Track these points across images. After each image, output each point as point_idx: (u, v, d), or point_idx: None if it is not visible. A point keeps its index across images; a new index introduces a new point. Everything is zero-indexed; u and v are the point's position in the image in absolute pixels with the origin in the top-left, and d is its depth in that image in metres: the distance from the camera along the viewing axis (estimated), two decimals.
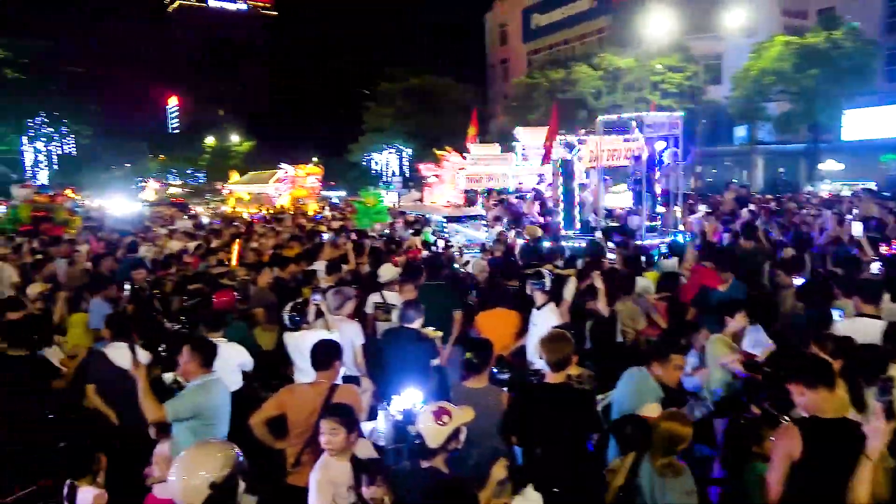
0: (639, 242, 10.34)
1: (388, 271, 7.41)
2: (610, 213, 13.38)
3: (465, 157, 16.10)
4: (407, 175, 45.46)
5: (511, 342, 6.41)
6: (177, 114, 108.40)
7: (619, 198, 14.39)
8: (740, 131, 37.44)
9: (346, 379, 5.41)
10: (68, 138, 41.37)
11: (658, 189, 12.38)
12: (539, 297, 6.49)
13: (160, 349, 7.36)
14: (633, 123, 12.18)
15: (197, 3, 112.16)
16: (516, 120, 30.71)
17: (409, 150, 47.37)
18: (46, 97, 36.26)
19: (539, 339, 4.66)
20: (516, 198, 15.31)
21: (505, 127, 34.54)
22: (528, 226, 12.27)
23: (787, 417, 3.89)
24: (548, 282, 6.66)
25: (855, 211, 13.69)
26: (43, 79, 35.89)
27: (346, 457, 3.56)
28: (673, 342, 4.59)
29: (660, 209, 12.34)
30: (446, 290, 7.61)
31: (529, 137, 16.51)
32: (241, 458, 2.65)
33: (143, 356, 5.37)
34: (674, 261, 9.44)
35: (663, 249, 10.79)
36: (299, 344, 5.40)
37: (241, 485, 2.65)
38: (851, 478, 3.05)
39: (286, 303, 7.79)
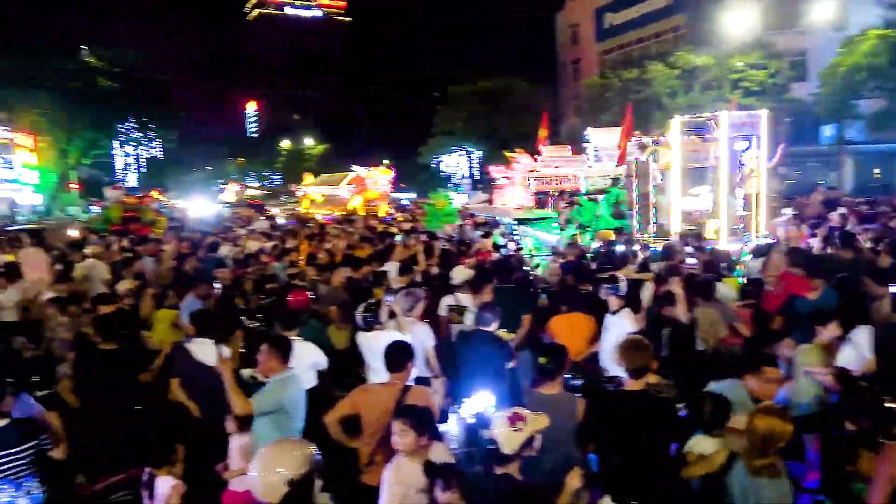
0: (719, 247, 9.93)
1: (460, 273, 7.39)
2: (687, 217, 12.92)
3: (535, 159, 15.94)
4: (476, 177, 45.47)
5: (585, 348, 6.27)
6: (255, 118, 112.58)
7: (698, 201, 13.87)
8: (827, 130, 35.47)
9: (417, 381, 5.42)
10: (155, 143, 43.63)
11: (740, 192, 11.84)
12: (614, 303, 6.33)
13: (239, 346, 7.63)
14: (713, 123, 11.70)
15: (275, 12, 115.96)
16: (588, 121, 30.16)
17: (479, 153, 47.36)
18: (136, 104, 38.33)
19: (616, 345, 4.51)
20: (588, 200, 15.01)
21: (576, 128, 34.00)
22: (601, 230, 12.00)
23: (888, 436, 3.61)
24: (622, 286, 6.49)
25: None
26: (133, 87, 37.96)
27: (418, 459, 3.55)
28: (762, 353, 4.36)
29: (742, 212, 11.81)
30: (516, 293, 7.52)
31: (602, 139, 16.19)
32: (317, 457, 2.68)
33: (225, 352, 5.57)
34: (757, 265, 9.00)
35: (745, 254, 10.32)
36: (372, 344, 5.44)
37: (318, 483, 2.68)
38: None
39: (358, 303, 7.93)
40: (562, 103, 49.55)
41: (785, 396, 4.99)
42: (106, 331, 5.82)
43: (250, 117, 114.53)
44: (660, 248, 10.21)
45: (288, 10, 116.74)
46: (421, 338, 5.79)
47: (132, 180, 42.27)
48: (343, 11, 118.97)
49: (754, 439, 3.36)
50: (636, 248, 10.66)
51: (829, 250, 9.62)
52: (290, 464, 2.56)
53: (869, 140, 33.54)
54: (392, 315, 5.57)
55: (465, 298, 6.94)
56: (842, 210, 14.14)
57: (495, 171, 16.96)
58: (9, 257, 11.96)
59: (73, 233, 17.79)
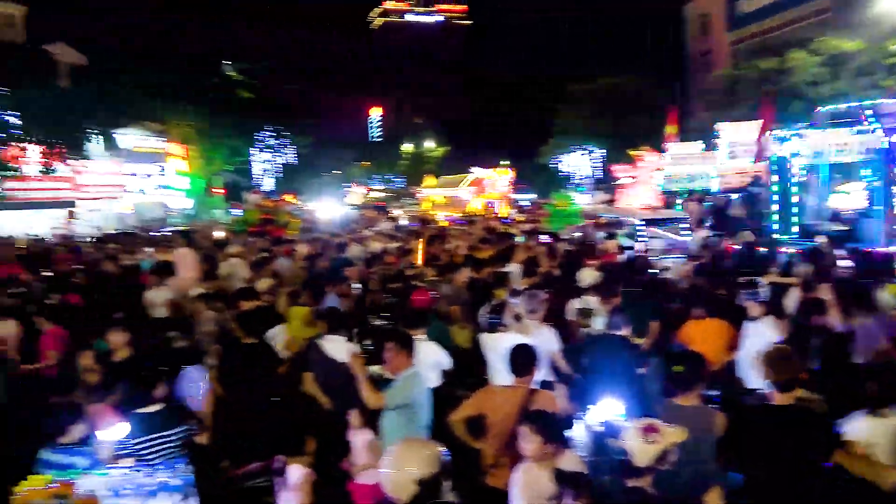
0: (876, 249, 8.99)
1: (588, 276, 7.18)
2: (836, 216, 11.82)
3: (662, 157, 15.27)
4: (598, 177, 44.32)
5: (721, 356, 5.87)
6: (379, 123, 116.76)
7: (850, 198, 12.66)
8: None
9: (540, 385, 5.31)
10: (289, 149, 46.28)
11: None
12: (754, 309, 5.90)
13: (366, 343, 7.88)
14: (864, 113, 10.63)
15: (398, 20, 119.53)
16: (719, 115, 28.42)
17: (601, 152, 46.12)
18: (272, 113, 40.94)
19: (758, 355, 4.18)
20: (723, 199, 14.16)
21: (706, 124, 32.20)
22: (741, 231, 11.23)
23: None
24: (763, 292, 6.02)
25: None
26: (269, 97, 40.58)
27: (547, 465, 3.47)
28: None
29: None
30: (644, 297, 7.21)
31: (735, 133, 15.21)
32: (446, 458, 2.68)
33: (354, 349, 5.77)
34: None
35: None
36: (496, 346, 5.41)
37: (446, 483, 2.68)
38: None
39: (480, 303, 7.94)
40: (690, 98, 47.17)
41: None
42: (247, 326, 6.20)
43: (374, 122, 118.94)
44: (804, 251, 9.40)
45: (410, 18, 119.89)
46: (545, 341, 5.68)
47: (268, 185, 45.10)
48: (463, 15, 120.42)
49: None
50: (779, 250, 9.89)
51: None
52: (419, 463, 2.58)
53: None
54: (517, 317, 5.51)
55: (592, 301, 6.74)
56: None
57: (619, 170, 16.43)
58: (163, 256, 13.17)
59: (218, 234, 19.29)
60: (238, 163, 44.49)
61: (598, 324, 6.02)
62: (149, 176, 40.63)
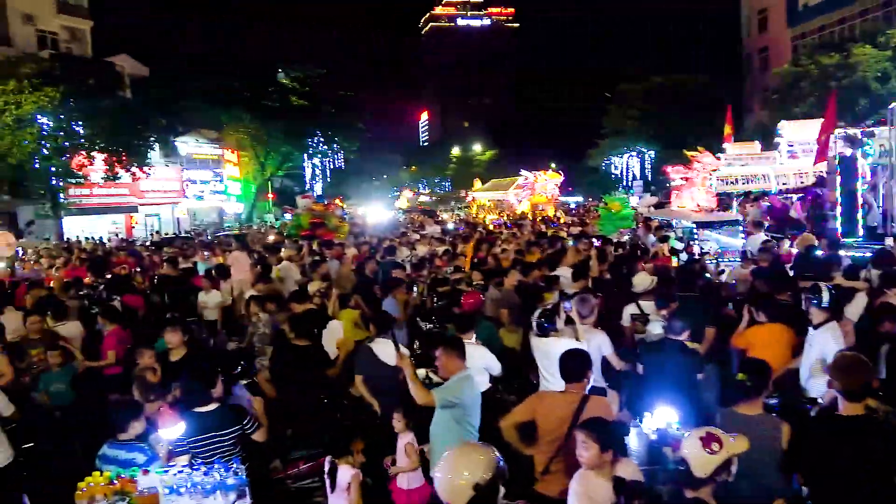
0: None
1: (642, 280, 7.00)
2: None
3: (718, 158, 14.83)
4: (648, 178, 43.47)
5: (782, 364, 5.63)
6: (427, 128, 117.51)
7: None
8: None
9: (592, 390, 5.20)
10: (339, 154, 47.01)
11: None
12: (816, 315, 5.62)
13: (415, 346, 7.89)
14: None
15: (447, 24, 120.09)
16: (777, 114, 27.48)
17: (652, 153, 45.22)
18: (323, 119, 41.69)
19: (826, 362, 3.98)
20: (781, 200, 13.66)
21: (764, 123, 31.17)
22: (803, 233, 10.80)
23: None
24: (826, 297, 5.74)
25: None
26: (319, 103, 41.32)
27: (604, 473, 3.38)
28: None
29: None
30: (700, 302, 6.99)
31: (797, 132, 14.66)
32: (502, 463, 2.64)
33: (404, 350, 5.77)
34: None
35: None
36: (548, 350, 5.33)
37: (502, 490, 2.64)
38: None
39: (529, 307, 7.85)
40: (746, 96, 45.81)
41: None
42: (299, 328, 6.29)
43: (423, 126, 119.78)
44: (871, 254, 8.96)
45: (459, 22, 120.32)
46: (598, 346, 5.57)
47: (318, 189, 45.90)
48: (511, 18, 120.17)
49: None
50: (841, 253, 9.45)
51: None
52: (476, 468, 2.55)
53: None
54: (569, 321, 5.41)
55: (648, 306, 6.56)
56: None
57: (673, 171, 16.04)
58: (219, 259, 13.53)
59: (270, 237, 19.69)
60: (289, 168, 45.42)
61: (655, 329, 5.85)
62: (205, 182, 41.94)
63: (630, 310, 6.74)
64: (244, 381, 6.14)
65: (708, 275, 9.44)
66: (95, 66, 31.98)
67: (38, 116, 25.48)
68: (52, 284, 11.02)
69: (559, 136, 72.80)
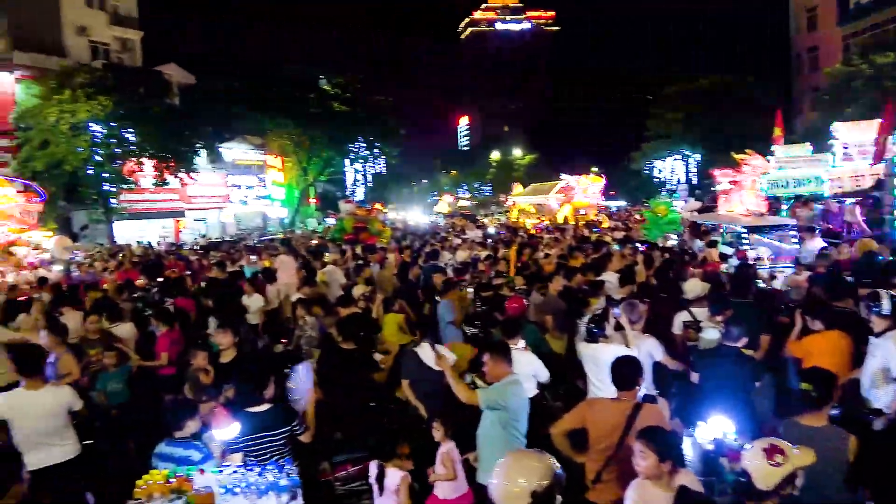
0: None
1: (694, 287, 6.84)
2: None
3: (767, 161, 14.43)
4: (693, 182, 42.61)
5: (843, 372, 5.42)
6: (467, 132, 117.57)
7: None
8: None
9: (643, 398, 5.10)
10: (379, 159, 47.43)
11: None
12: (878, 323, 5.41)
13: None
14: None
15: (486, 28, 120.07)
16: (829, 115, 26.63)
17: (697, 156, 44.30)
18: (364, 125, 42.13)
19: (891, 372, 3.82)
20: (837, 204, 13.20)
21: (814, 124, 30.24)
22: (862, 238, 10.43)
23: None
24: (887, 304, 5.52)
25: None
26: (361, 109, 41.77)
27: (662, 483, 3.30)
28: None
29: None
30: (754, 308, 6.79)
31: (852, 134, 14.15)
32: (559, 471, 2.60)
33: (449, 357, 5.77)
34: None
35: None
36: (597, 356, 5.25)
37: (558, 498, 2.59)
38: None
39: (574, 312, 7.76)
40: (795, 98, 44.56)
41: None
42: (346, 331, 6.34)
43: (462, 131, 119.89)
44: None
45: (499, 26, 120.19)
46: (648, 352, 5.46)
47: (359, 194, 46.36)
48: (552, 21, 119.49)
49: None
50: None
51: None
52: (533, 475, 2.51)
53: None
54: (618, 327, 5.32)
55: (700, 313, 6.41)
56: None
57: (721, 174, 15.66)
58: (264, 263, 13.77)
59: (314, 242, 19.96)
60: (331, 173, 46.00)
61: (709, 336, 5.70)
62: (250, 187, 42.80)
63: (682, 317, 6.58)
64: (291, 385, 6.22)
65: (760, 281, 9.18)
66: (145, 75, 32.96)
67: (91, 124, 26.38)
68: (105, 287, 11.39)
69: (600, 140, 72.09)
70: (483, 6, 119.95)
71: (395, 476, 4.45)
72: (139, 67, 36.58)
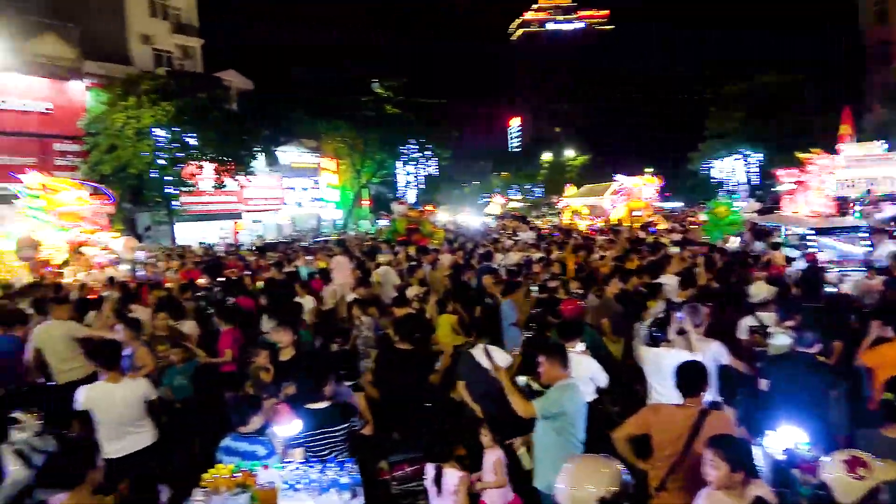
0: None
1: (760, 290, 6.60)
2: None
3: (833, 159, 13.85)
4: (753, 183, 41.29)
5: None
6: (518, 133, 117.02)
7: None
8: None
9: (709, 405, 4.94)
10: (432, 161, 47.76)
11: None
12: None
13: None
14: None
15: (538, 29, 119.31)
16: None
17: (758, 156, 42.90)
18: (416, 127, 42.51)
19: None
20: None
21: (885, 121, 28.91)
22: None
23: None
24: None
25: None
26: (413, 111, 42.15)
27: (734, 494, 3.18)
28: None
29: None
30: (825, 313, 6.50)
31: None
32: (626, 477, 2.54)
33: (504, 359, 5.74)
34: None
35: None
36: (659, 361, 5.11)
37: None
38: None
39: (632, 315, 7.59)
40: (865, 94, 42.61)
41: None
42: (402, 331, 6.37)
43: (514, 132, 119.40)
44: None
45: (550, 27, 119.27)
46: (713, 356, 5.28)
47: (411, 196, 46.75)
48: (605, 20, 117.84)
49: None
50: None
51: None
52: (600, 481, 2.46)
53: None
54: (680, 331, 5.17)
55: (766, 318, 6.17)
56: None
57: (784, 174, 15.12)
58: (321, 263, 14.00)
59: (368, 243, 20.20)
60: (383, 175, 46.53)
61: (779, 341, 5.48)
62: (305, 189, 43.69)
63: (748, 321, 6.35)
64: (348, 383, 6.29)
65: (829, 285, 8.79)
66: (205, 81, 34.01)
67: (154, 129, 27.42)
68: (169, 286, 11.77)
69: (655, 140, 70.64)
70: (534, 6, 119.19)
71: (454, 477, 4.43)
72: (200, 74, 37.80)
